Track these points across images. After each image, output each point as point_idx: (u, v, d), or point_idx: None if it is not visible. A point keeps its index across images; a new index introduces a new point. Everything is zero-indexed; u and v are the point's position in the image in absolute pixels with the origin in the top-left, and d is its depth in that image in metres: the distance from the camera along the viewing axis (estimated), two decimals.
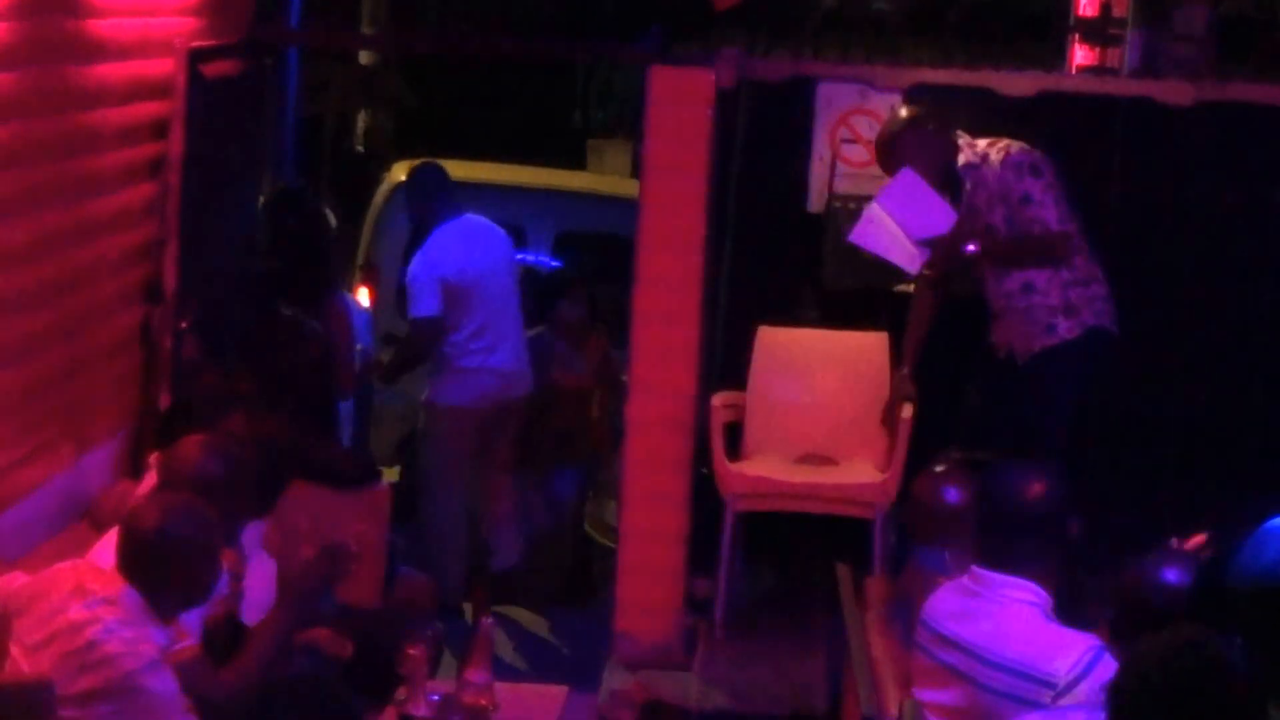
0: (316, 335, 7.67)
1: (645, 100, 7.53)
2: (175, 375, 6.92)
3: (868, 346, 7.78)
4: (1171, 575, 4.32)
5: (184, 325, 6.96)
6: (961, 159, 7.26)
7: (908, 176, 7.18)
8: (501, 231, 8.87)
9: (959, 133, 7.33)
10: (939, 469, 5.67)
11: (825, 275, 8.04)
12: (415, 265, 8.50)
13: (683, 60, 7.64)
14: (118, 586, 4.70)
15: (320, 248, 8.01)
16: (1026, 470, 4.78)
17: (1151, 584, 4.35)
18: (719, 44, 8.18)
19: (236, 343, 7.29)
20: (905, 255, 7.30)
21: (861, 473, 7.54)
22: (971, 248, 7.23)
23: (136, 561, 4.73)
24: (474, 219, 8.78)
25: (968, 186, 7.26)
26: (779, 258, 8.11)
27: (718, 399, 7.57)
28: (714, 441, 7.48)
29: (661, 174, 7.50)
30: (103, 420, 6.59)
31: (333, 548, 5.34)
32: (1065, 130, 7.85)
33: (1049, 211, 7.16)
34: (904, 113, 7.34)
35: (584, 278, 9.41)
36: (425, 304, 8.46)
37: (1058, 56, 8.34)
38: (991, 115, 7.81)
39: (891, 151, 7.26)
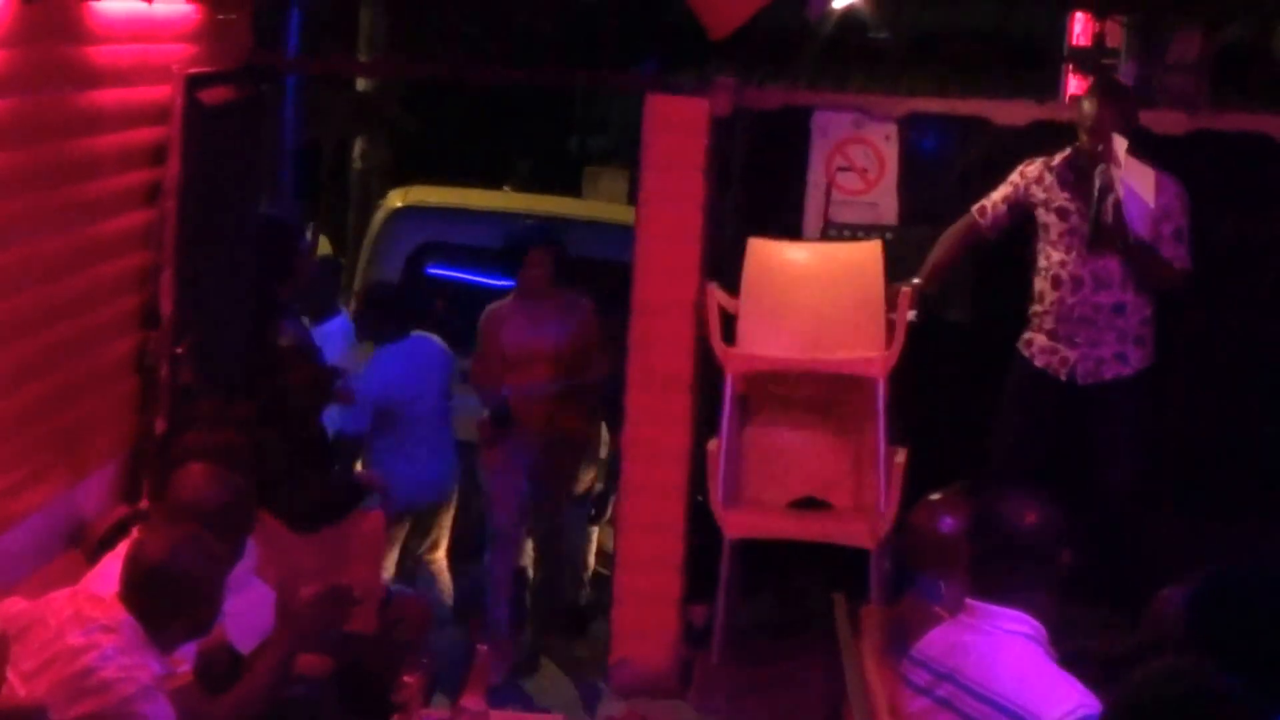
0: (313, 363, 7.66)
1: (641, 128, 7.54)
2: (171, 401, 6.90)
3: (861, 389, 7.74)
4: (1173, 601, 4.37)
5: (180, 351, 6.94)
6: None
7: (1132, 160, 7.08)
8: (441, 352, 9.02)
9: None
10: (935, 498, 5.66)
11: None
12: (358, 382, 8.73)
13: (679, 88, 7.66)
14: (118, 615, 4.69)
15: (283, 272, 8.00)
16: (1019, 499, 4.77)
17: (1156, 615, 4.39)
18: (715, 73, 8.18)
19: (233, 369, 7.27)
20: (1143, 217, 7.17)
21: (855, 517, 7.52)
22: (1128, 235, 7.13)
23: (140, 592, 4.72)
24: (420, 340, 8.95)
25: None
26: None
27: (713, 444, 7.56)
28: (711, 486, 7.47)
29: (658, 202, 7.51)
30: (98, 446, 6.57)
31: (338, 590, 5.33)
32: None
33: (1185, 251, 7.17)
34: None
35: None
36: (354, 421, 8.81)
37: (1052, 86, 8.35)
38: (986, 144, 7.83)
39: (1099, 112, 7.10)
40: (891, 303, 7.44)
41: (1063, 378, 7.29)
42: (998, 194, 7.50)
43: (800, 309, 7.56)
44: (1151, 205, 6.99)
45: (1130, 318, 7.21)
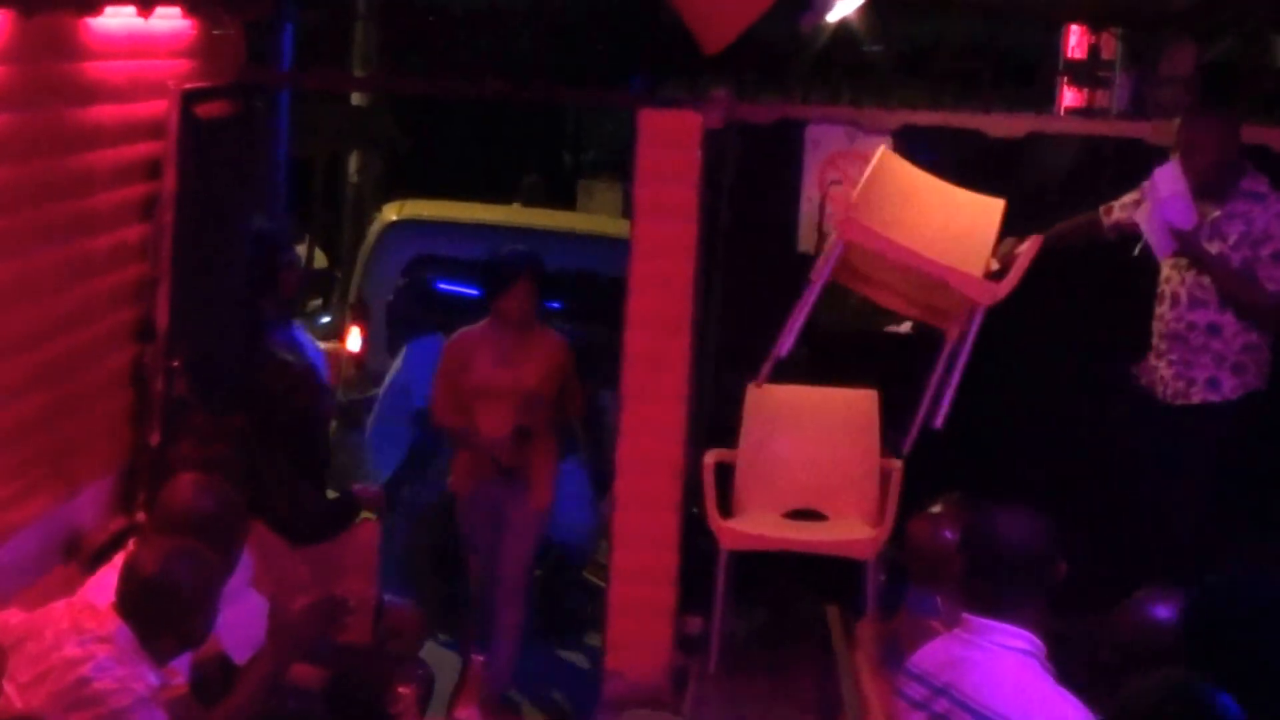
0: (308, 377, 7.65)
1: (635, 142, 7.54)
2: (166, 414, 6.90)
3: (858, 403, 7.75)
4: (1163, 612, 4.34)
5: (175, 364, 6.94)
6: (1247, 181, 7.03)
7: (1176, 166, 7.02)
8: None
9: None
10: (934, 510, 5.65)
11: (814, 317, 8.02)
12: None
13: (671, 102, 7.65)
14: (113, 625, 4.69)
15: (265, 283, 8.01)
16: (1011, 512, 4.76)
17: (1145, 624, 4.37)
18: (708, 87, 8.19)
19: (228, 383, 7.27)
20: (1162, 237, 7.10)
21: (853, 529, 7.52)
22: (1213, 249, 6.99)
23: (135, 603, 4.72)
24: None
25: (1230, 208, 7.02)
26: (768, 298, 8.10)
27: (710, 456, 7.56)
28: (708, 498, 7.47)
29: (651, 215, 7.50)
30: (94, 459, 6.56)
31: (331, 600, 5.33)
32: (1053, 172, 7.87)
33: None
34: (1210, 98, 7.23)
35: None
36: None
37: (1046, 100, 8.36)
38: (980, 157, 7.84)
39: (1191, 125, 7.02)
40: (1007, 258, 7.24)
41: (1157, 395, 7.19)
42: (1126, 197, 7.44)
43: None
44: (1187, 226, 6.94)
45: (1229, 343, 7.02)
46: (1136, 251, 7.12)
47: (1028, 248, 7.11)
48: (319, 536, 6.92)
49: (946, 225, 7.28)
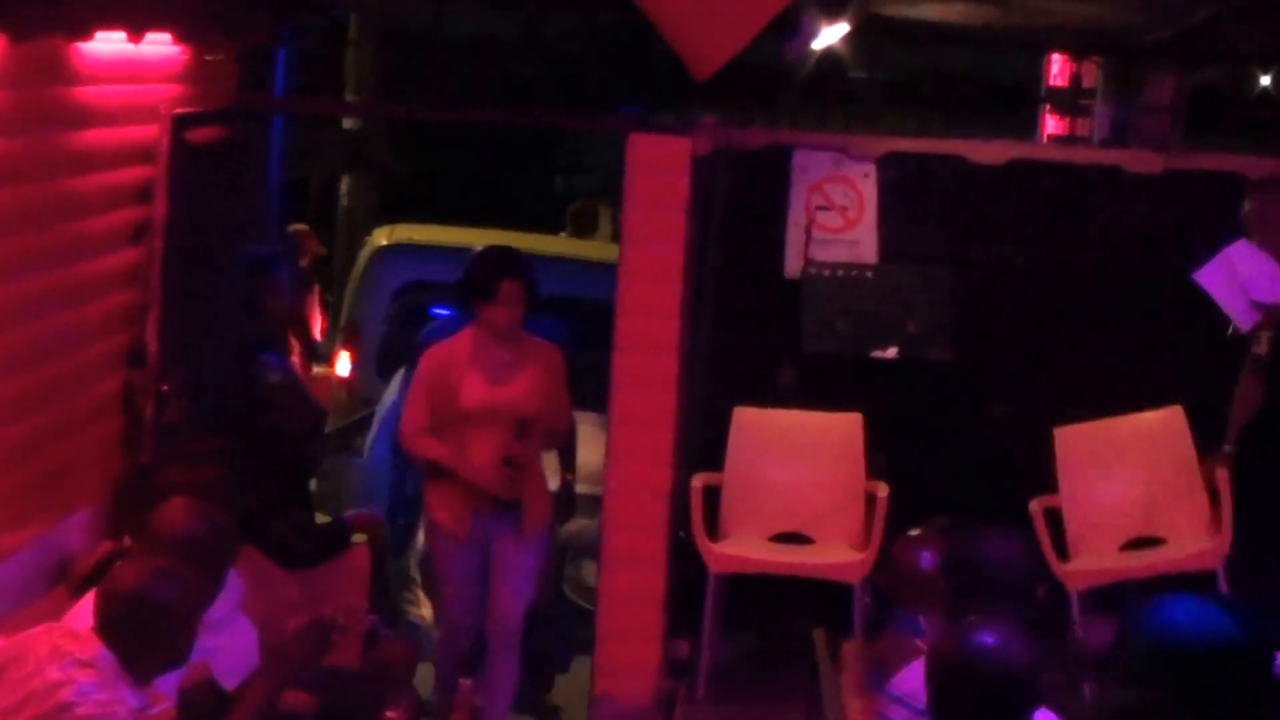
0: (304, 402, 7.64)
1: (624, 168, 7.53)
2: (157, 439, 6.88)
3: (843, 427, 7.73)
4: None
5: (166, 389, 6.93)
6: None
7: (1250, 245, 6.99)
8: None
9: None
10: (915, 534, 5.66)
11: (802, 341, 8.03)
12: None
13: (661, 128, 7.65)
14: (94, 649, 4.66)
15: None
16: (994, 536, 4.77)
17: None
18: (696, 114, 8.20)
19: (219, 407, 7.26)
20: (1242, 309, 7.07)
21: (839, 552, 7.51)
22: None
23: (115, 624, 4.69)
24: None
25: None
26: (756, 323, 8.11)
27: (697, 480, 7.54)
28: (695, 521, 7.45)
29: (640, 241, 7.49)
30: (84, 484, 6.53)
31: (321, 621, 5.31)
32: (1035, 199, 7.88)
33: None
34: None
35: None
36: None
37: (1030, 127, 8.38)
38: (963, 183, 7.85)
39: (1260, 210, 7.00)
40: (1208, 478, 7.27)
41: None
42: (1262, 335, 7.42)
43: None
44: (1251, 293, 6.91)
45: None
46: (1230, 334, 7.14)
47: (1221, 482, 7.20)
48: (311, 561, 6.90)
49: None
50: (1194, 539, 7.38)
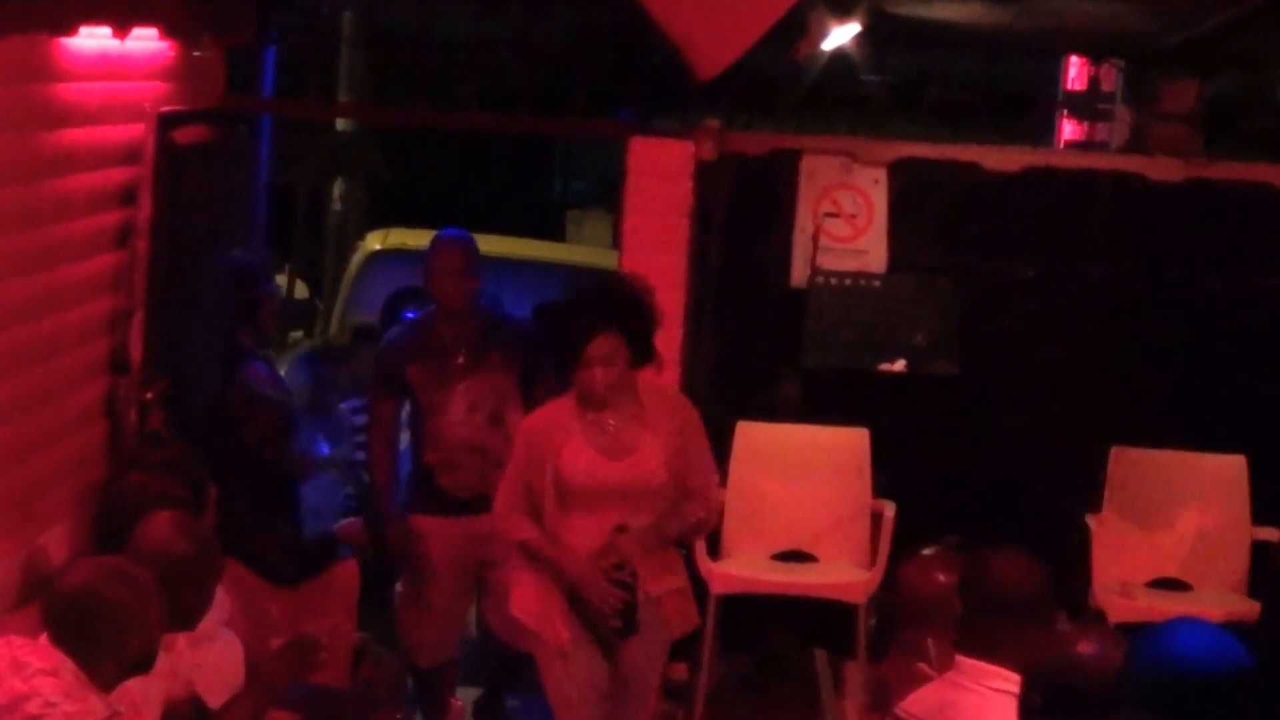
0: (271, 412, 7.59)
1: (625, 173, 7.51)
2: (139, 449, 6.82)
3: (849, 443, 7.68)
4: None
5: (149, 397, 6.87)
6: None
7: None
8: None
9: None
10: (926, 553, 5.61)
11: (806, 353, 8.00)
12: None
13: (663, 132, 7.62)
14: (53, 657, 4.58)
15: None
16: (1011, 556, 4.73)
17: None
18: (699, 118, 8.16)
19: (199, 417, 7.21)
20: None
21: (843, 571, 7.47)
22: None
23: (64, 624, 4.61)
24: None
25: None
26: (759, 334, 8.08)
27: None
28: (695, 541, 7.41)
29: (641, 247, 7.49)
30: (63, 496, 6.48)
31: (303, 640, 5.25)
32: (1048, 208, 7.84)
33: None
34: None
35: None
36: None
37: (1043, 133, 8.34)
38: (977, 191, 7.81)
39: None
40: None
41: None
42: None
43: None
44: None
45: None
46: None
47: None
48: (298, 575, 6.85)
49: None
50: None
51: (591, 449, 5.96)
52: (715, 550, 7.50)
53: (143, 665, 4.78)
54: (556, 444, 5.96)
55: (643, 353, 5.99)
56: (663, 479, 5.96)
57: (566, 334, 5.90)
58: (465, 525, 7.19)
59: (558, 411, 6.04)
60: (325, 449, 8.75)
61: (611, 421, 5.98)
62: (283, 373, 9.13)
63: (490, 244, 12.02)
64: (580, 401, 5.97)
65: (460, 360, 7.20)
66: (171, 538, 5.22)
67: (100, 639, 4.62)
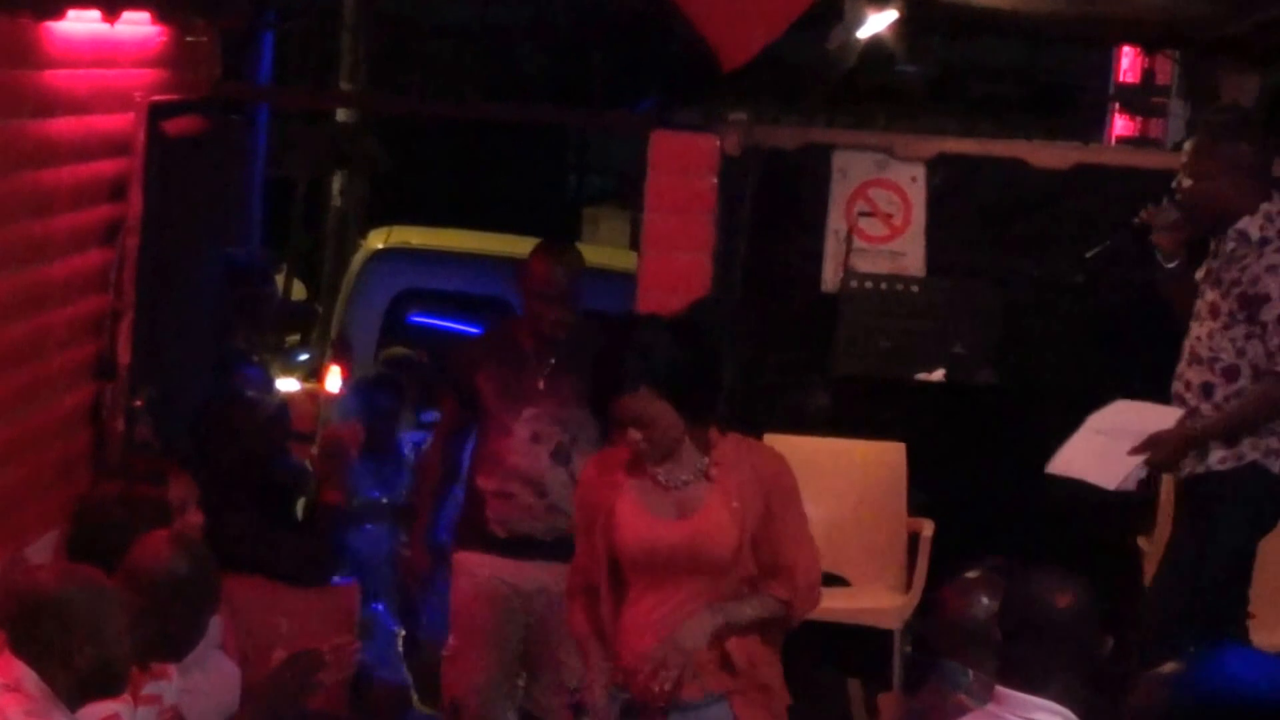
0: (277, 418, 7.62)
1: (645, 168, 7.51)
2: (125, 459, 6.85)
3: (883, 458, 7.69)
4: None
5: (138, 404, 6.90)
6: (1256, 225, 6.50)
7: (1121, 406, 6.85)
8: None
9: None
10: (968, 576, 5.60)
11: (838, 362, 8.01)
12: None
13: (686, 125, 7.63)
14: (16, 669, 4.57)
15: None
16: (1055, 579, 4.72)
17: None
18: (725, 110, 8.17)
19: (190, 424, 7.24)
20: (1109, 473, 6.88)
21: (877, 596, 7.49)
22: (1196, 432, 6.55)
23: (20, 632, 4.58)
24: None
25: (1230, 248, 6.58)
26: (788, 340, 8.09)
27: None
28: None
29: (661, 248, 7.49)
30: (47, 507, 6.50)
31: (304, 658, 5.26)
32: (1097, 209, 7.84)
33: None
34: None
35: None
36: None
37: (1093, 129, 8.34)
38: (1022, 191, 7.81)
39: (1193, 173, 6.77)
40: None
41: None
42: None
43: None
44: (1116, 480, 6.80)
45: (1222, 406, 6.59)
46: None
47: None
48: (309, 576, 6.83)
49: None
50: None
51: (644, 507, 5.26)
52: None
53: (106, 685, 4.75)
54: (608, 503, 5.29)
55: (695, 411, 5.21)
56: (732, 543, 5.20)
57: (593, 389, 5.36)
58: (515, 570, 6.77)
59: (611, 461, 5.38)
60: (375, 493, 8.54)
61: (673, 475, 5.26)
62: (335, 404, 9.13)
63: (499, 244, 12.09)
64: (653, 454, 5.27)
65: (538, 383, 6.84)
66: (169, 558, 5.22)
67: (48, 643, 4.58)
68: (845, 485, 7.67)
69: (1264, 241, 6.49)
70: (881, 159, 7.92)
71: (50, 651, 4.59)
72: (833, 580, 7.63)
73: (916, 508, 7.58)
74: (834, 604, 7.42)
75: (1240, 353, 6.50)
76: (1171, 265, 6.68)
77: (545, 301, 6.80)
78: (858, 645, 7.36)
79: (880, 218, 7.92)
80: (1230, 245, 6.54)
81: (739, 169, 7.73)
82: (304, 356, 12.81)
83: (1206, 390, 6.61)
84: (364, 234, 12.85)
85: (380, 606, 8.16)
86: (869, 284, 7.88)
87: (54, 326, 6.55)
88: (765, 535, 5.25)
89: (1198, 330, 6.60)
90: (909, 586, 7.37)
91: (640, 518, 5.23)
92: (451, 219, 13.16)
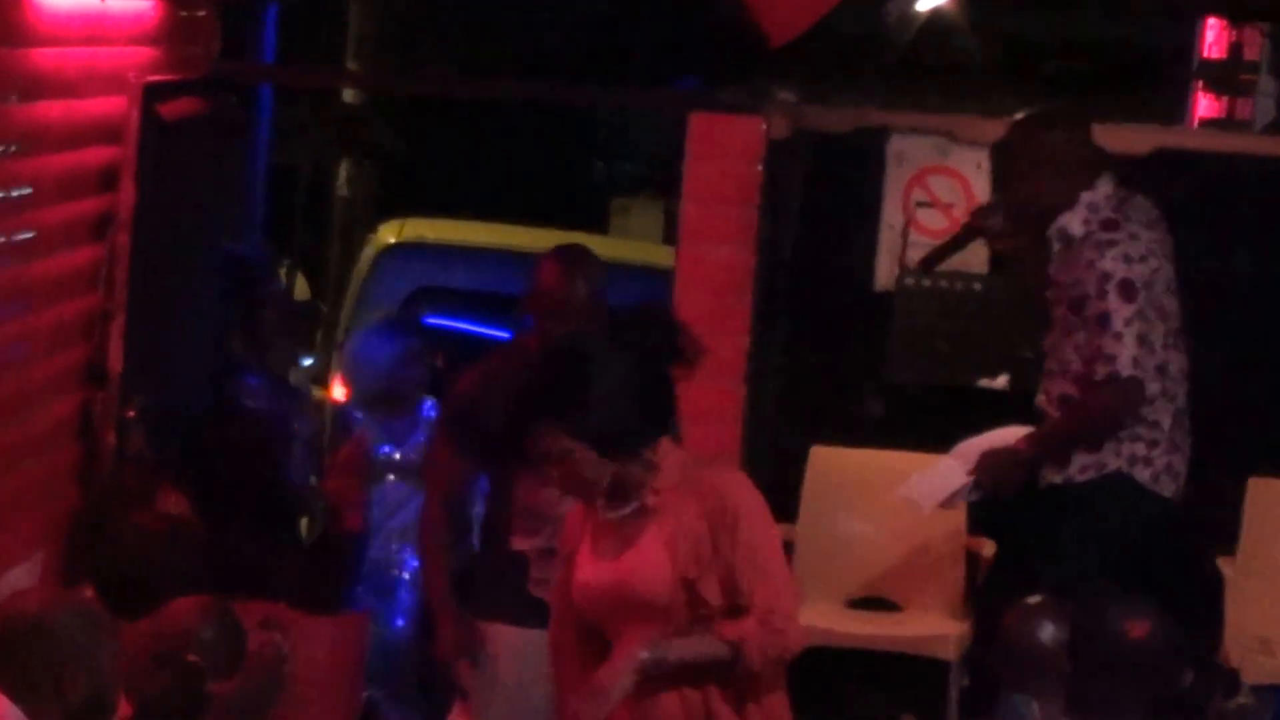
0: (279, 429, 7.68)
1: (682, 154, 7.55)
2: (118, 475, 6.89)
3: None
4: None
5: (131, 414, 6.96)
6: (1077, 220, 6.81)
7: (1001, 432, 6.94)
8: None
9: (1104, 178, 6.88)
10: (1032, 601, 5.66)
11: (893, 366, 8.04)
12: None
13: (729, 106, 7.66)
14: (1, 703, 4.66)
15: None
16: (1131, 606, 4.77)
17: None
18: (771, 89, 8.21)
19: (186, 437, 7.30)
20: (932, 494, 7.01)
21: (933, 622, 7.52)
22: (1024, 450, 6.81)
23: (7, 659, 4.65)
24: None
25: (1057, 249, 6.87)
26: (838, 343, 8.11)
27: None
28: None
29: (700, 242, 7.53)
30: (30, 527, 6.53)
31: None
32: (1184, 195, 7.86)
33: (1125, 348, 6.69)
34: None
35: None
36: None
37: (1174, 109, 8.35)
38: None
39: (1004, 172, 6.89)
40: None
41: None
42: None
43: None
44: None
45: None
46: None
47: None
48: (327, 599, 6.89)
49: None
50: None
51: (590, 549, 5.20)
52: None
53: (97, 718, 4.83)
54: (575, 544, 5.27)
55: (606, 445, 5.06)
56: (665, 583, 5.06)
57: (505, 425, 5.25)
58: None
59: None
60: (386, 448, 8.53)
61: (614, 509, 5.13)
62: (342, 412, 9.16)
63: (523, 237, 12.14)
64: None
65: None
66: (199, 624, 5.33)
67: (38, 674, 4.64)
68: (898, 501, 7.71)
69: (1086, 237, 6.59)
70: (942, 143, 7.94)
71: (39, 683, 4.65)
72: (883, 605, 7.70)
73: (976, 526, 7.62)
74: (884, 631, 7.50)
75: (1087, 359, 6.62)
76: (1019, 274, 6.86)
77: (561, 321, 6.41)
78: (910, 676, 7.39)
79: (940, 208, 7.95)
80: (1056, 246, 6.66)
81: (786, 154, 7.75)
82: (307, 362, 12.86)
83: (1065, 402, 6.71)
84: (374, 227, 12.87)
85: (401, 622, 8.19)
86: (927, 282, 7.91)
87: (38, 330, 6.57)
88: (718, 570, 5.06)
89: (1049, 340, 6.72)
90: (967, 613, 7.41)
91: (586, 560, 5.18)
92: (470, 210, 13.18)
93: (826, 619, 7.50)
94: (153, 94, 7.06)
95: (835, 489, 7.74)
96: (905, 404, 8.07)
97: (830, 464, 7.76)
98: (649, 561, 5.06)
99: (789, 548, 7.60)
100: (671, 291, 7.57)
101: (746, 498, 5.15)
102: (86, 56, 6.74)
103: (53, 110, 6.51)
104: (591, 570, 5.14)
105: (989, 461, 6.80)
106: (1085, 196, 6.71)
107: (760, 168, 7.49)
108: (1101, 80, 10.87)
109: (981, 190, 7.88)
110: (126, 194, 6.96)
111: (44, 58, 6.38)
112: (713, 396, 7.42)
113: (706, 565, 5.04)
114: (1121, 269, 6.61)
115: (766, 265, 7.70)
